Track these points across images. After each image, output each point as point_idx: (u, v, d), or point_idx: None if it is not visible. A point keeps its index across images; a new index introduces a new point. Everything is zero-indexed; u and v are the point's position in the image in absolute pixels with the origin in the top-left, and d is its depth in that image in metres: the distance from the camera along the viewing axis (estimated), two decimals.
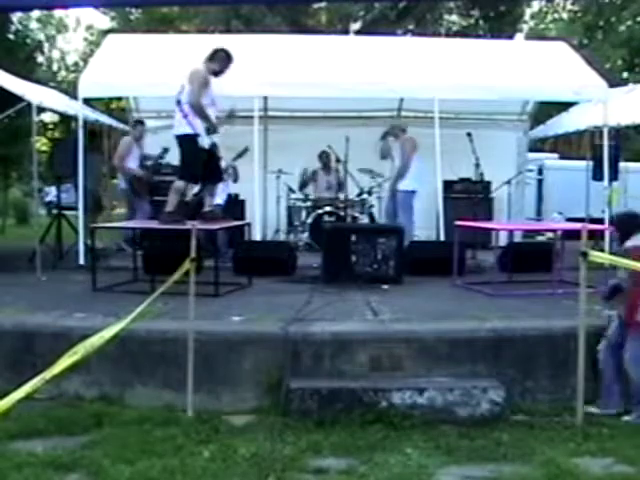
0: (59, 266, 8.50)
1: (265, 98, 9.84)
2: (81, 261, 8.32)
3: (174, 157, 7.79)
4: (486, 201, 10.37)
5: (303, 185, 10.61)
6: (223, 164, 8.52)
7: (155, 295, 4.84)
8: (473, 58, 9.75)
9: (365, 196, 10.17)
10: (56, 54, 32.98)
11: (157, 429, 4.54)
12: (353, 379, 5.08)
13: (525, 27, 27.00)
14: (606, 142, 9.18)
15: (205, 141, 6.89)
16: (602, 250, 5.17)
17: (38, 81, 12.67)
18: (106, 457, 4.09)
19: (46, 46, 28.44)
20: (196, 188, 7.81)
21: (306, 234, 10.08)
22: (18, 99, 8.40)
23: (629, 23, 22.98)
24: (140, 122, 9.91)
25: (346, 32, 20.78)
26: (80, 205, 8.63)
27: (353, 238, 7.53)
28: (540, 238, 11.84)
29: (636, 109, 9.66)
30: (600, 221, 8.98)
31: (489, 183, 10.37)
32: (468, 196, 9.93)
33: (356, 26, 22.18)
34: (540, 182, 15.99)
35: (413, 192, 9.26)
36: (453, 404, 4.87)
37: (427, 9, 21.87)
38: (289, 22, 20.07)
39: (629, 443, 4.43)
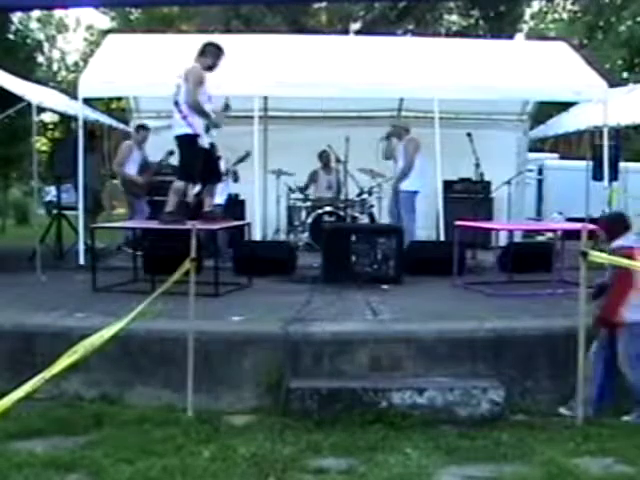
0: (59, 266, 8.49)
1: (265, 98, 9.84)
2: (81, 261, 8.32)
3: (174, 157, 7.79)
4: (486, 201, 10.36)
5: (307, 186, 10.63)
6: (223, 164, 8.54)
7: (155, 295, 4.83)
8: (473, 58, 9.74)
9: (365, 196, 10.16)
10: (56, 54, 33.10)
11: (157, 429, 4.53)
12: (353, 379, 5.08)
13: (525, 27, 27.01)
14: (606, 142, 9.17)
15: (205, 141, 6.89)
16: (602, 250, 5.16)
17: (38, 81, 12.68)
18: (106, 457, 4.08)
19: (46, 46, 28.54)
20: (197, 188, 7.81)
21: (306, 234, 10.07)
22: (18, 99, 8.40)
23: (629, 23, 22.93)
24: (143, 127, 9.79)
25: (346, 32, 20.79)
26: (80, 205, 8.63)
27: (353, 238, 7.54)
28: (540, 238, 11.82)
29: (636, 109, 9.66)
30: None
31: (489, 183, 10.36)
32: (468, 196, 9.95)
33: (356, 26, 22.21)
34: (540, 182, 15.97)
35: (415, 192, 9.23)
36: (453, 404, 4.86)
37: (427, 9, 21.93)
38: (289, 22, 20.10)
39: (629, 443, 4.42)
